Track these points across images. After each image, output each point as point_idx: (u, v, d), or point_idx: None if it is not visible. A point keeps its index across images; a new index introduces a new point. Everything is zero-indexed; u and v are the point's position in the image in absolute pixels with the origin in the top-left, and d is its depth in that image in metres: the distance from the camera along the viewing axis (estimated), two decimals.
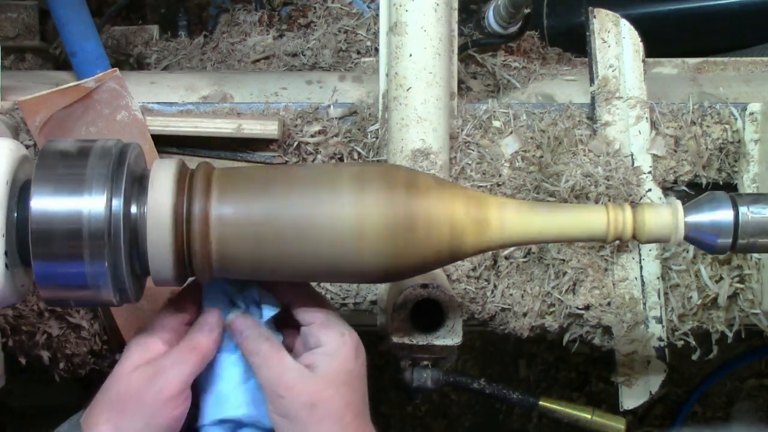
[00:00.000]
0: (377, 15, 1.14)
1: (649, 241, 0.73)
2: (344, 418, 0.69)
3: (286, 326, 0.75)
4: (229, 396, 0.72)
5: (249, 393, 0.72)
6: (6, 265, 0.65)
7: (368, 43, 1.28)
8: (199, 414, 0.72)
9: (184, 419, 0.69)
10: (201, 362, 0.70)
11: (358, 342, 0.72)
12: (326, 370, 0.69)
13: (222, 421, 0.72)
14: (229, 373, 0.73)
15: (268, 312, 0.74)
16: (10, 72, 1.17)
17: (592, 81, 1.04)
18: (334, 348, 0.70)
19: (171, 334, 0.72)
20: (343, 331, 0.71)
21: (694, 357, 1.06)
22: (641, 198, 1.02)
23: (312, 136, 1.05)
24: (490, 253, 1.01)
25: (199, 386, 0.73)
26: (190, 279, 0.71)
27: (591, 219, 0.71)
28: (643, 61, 1.04)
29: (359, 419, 0.70)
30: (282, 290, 0.75)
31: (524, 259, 1.03)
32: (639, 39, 1.05)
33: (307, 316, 0.73)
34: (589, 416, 1.04)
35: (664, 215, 0.71)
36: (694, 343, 1.05)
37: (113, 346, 1.06)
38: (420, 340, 0.88)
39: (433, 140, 0.97)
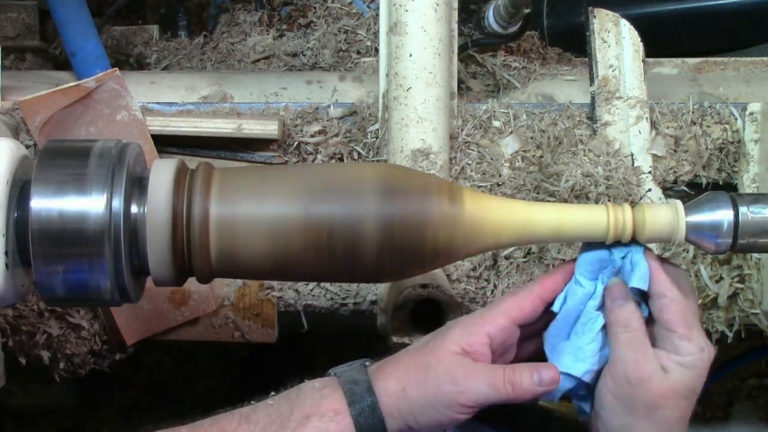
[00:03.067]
0: (377, 15, 1.14)
1: (649, 241, 0.73)
2: (672, 429, 0.69)
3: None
4: (586, 355, 0.71)
5: (591, 357, 0.72)
6: (6, 265, 0.65)
7: (368, 43, 1.28)
8: (548, 350, 0.72)
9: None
10: (511, 399, 0.69)
11: (710, 360, 0.71)
12: (677, 380, 0.69)
13: (571, 376, 0.72)
14: (595, 332, 0.72)
15: (636, 283, 0.72)
16: (10, 72, 1.17)
17: (592, 81, 1.04)
18: (691, 362, 0.70)
19: (498, 330, 0.71)
20: (702, 346, 0.71)
21: None
22: (641, 198, 1.01)
23: (312, 136, 1.05)
24: (490, 253, 1.01)
25: (561, 321, 0.72)
26: None
27: (591, 219, 0.71)
28: (643, 61, 1.04)
29: None
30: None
31: (524, 259, 1.03)
32: (639, 39, 1.05)
33: (670, 323, 0.71)
34: None
35: (665, 215, 0.71)
36: None
37: (113, 346, 1.06)
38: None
39: (433, 140, 0.97)
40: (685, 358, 0.70)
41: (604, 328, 0.72)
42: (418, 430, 0.69)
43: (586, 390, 0.73)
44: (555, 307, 0.73)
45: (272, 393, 0.72)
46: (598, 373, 0.72)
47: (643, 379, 0.68)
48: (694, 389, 0.70)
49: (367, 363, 0.72)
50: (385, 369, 0.70)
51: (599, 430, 0.72)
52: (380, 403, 0.68)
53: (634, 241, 0.72)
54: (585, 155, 1.02)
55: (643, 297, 0.73)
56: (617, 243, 0.72)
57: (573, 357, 0.72)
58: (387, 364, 0.71)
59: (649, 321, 0.73)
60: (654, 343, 0.71)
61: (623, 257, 0.73)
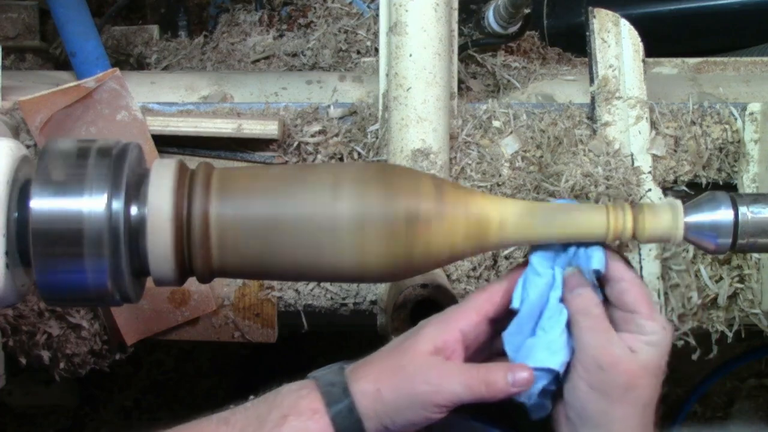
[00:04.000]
0: (377, 15, 1.14)
1: (649, 241, 0.73)
2: (646, 412, 0.69)
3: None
4: (558, 347, 0.71)
5: (563, 349, 0.71)
6: (6, 265, 0.65)
7: (368, 43, 1.28)
8: (520, 350, 0.71)
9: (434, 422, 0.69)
10: (485, 398, 0.69)
11: (672, 338, 0.72)
12: (646, 358, 0.69)
13: (547, 370, 0.71)
14: (563, 323, 0.71)
15: (596, 265, 0.72)
16: (10, 72, 1.17)
17: (592, 81, 1.04)
18: (657, 340, 0.70)
19: (471, 326, 0.71)
20: (664, 324, 0.71)
21: (694, 357, 1.06)
22: (641, 198, 1.02)
23: (312, 136, 1.05)
24: (490, 252, 1.01)
25: (524, 318, 0.71)
26: None
27: (591, 219, 0.71)
28: (643, 61, 1.04)
29: (653, 416, 0.70)
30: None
31: (524, 259, 1.02)
32: (639, 39, 1.05)
33: (632, 304, 0.71)
34: None
35: (664, 215, 0.71)
36: (694, 343, 1.05)
37: (113, 346, 1.06)
38: None
39: (433, 140, 0.97)
40: (651, 337, 0.69)
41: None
42: (394, 431, 0.69)
43: (555, 384, 0.72)
44: (515, 304, 0.72)
45: (251, 397, 0.72)
46: (566, 366, 0.71)
47: (614, 363, 0.68)
48: (661, 367, 0.70)
49: (345, 366, 0.72)
50: (361, 370, 0.70)
51: (570, 421, 0.71)
52: (357, 404, 0.68)
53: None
54: (585, 155, 1.02)
55: (596, 283, 0.73)
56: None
57: (548, 351, 0.71)
58: (362, 365, 0.71)
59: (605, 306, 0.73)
60: (615, 327, 0.71)
61: (577, 246, 0.73)
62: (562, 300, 0.72)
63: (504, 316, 0.73)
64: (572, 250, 0.73)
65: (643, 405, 0.69)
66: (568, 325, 0.71)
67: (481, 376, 0.69)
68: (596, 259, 0.72)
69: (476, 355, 0.73)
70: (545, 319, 0.72)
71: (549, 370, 0.71)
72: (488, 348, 0.74)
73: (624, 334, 0.70)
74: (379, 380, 0.69)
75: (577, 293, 0.71)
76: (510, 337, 0.72)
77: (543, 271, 0.72)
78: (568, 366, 0.71)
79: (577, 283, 0.71)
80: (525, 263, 0.74)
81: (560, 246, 0.73)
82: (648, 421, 0.70)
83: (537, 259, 0.73)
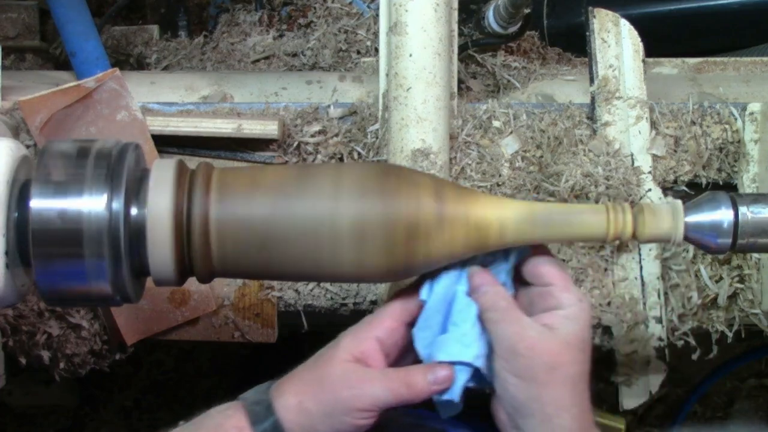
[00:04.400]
0: (377, 15, 1.14)
1: (649, 241, 0.73)
2: (578, 386, 0.69)
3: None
4: (471, 340, 0.71)
5: (476, 342, 0.71)
6: (6, 265, 0.65)
7: (368, 43, 1.28)
8: (431, 345, 0.71)
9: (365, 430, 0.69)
10: (407, 400, 0.69)
11: (590, 312, 0.71)
12: (566, 333, 0.68)
13: (464, 364, 0.71)
14: (474, 316, 0.71)
15: (515, 257, 0.72)
16: (10, 72, 1.17)
17: (592, 81, 1.04)
18: (574, 312, 0.69)
19: (387, 333, 0.71)
20: (580, 297, 0.70)
21: (694, 357, 1.06)
22: (641, 198, 1.01)
23: (312, 136, 1.05)
24: None
25: (431, 311, 0.72)
26: None
27: (591, 219, 0.71)
28: (643, 61, 1.04)
29: (587, 390, 0.70)
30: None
31: None
32: (639, 39, 1.05)
33: (547, 276, 0.71)
34: None
35: (664, 215, 0.71)
36: (694, 343, 1.05)
37: (113, 346, 1.06)
38: None
39: (433, 140, 0.97)
40: (568, 310, 0.69)
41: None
42: None
43: (479, 382, 0.72)
44: (423, 295, 0.72)
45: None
46: (488, 359, 0.71)
47: (531, 346, 0.67)
48: (585, 339, 0.70)
49: (273, 383, 0.72)
50: (284, 386, 0.71)
51: (509, 416, 0.70)
52: (281, 419, 0.68)
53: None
54: (585, 155, 1.02)
55: (509, 273, 0.73)
56: None
57: (459, 344, 0.71)
58: (285, 380, 0.71)
59: (520, 297, 0.73)
60: (532, 312, 0.71)
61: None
62: (469, 294, 0.72)
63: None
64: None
65: (572, 382, 0.68)
66: (480, 319, 0.71)
67: (401, 378, 0.69)
68: (513, 254, 0.73)
69: (400, 360, 0.73)
70: (455, 313, 0.72)
71: (464, 364, 0.70)
72: (412, 353, 0.74)
73: (540, 315, 0.70)
74: (301, 393, 0.69)
75: (483, 291, 0.71)
76: (419, 332, 0.72)
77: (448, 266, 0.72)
78: (495, 363, 0.70)
79: (480, 281, 0.71)
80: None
81: None
82: (582, 397, 0.69)
83: None
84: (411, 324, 0.73)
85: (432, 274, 0.73)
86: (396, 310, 0.72)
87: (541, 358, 0.67)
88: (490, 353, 0.71)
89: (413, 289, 0.74)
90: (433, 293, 0.72)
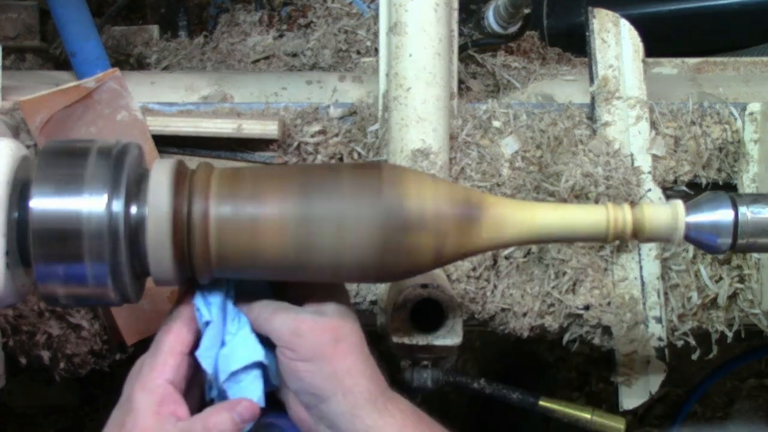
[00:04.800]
0: (377, 15, 1.14)
1: (649, 241, 0.73)
2: (364, 352, 0.71)
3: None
4: (253, 342, 0.72)
5: (258, 343, 0.72)
6: (6, 265, 0.65)
7: (368, 43, 1.28)
8: (217, 361, 0.71)
9: None
10: None
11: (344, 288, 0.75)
12: (335, 310, 0.71)
13: (257, 365, 0.71)
14: (245, 322, 0.73)
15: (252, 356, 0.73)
16: (10, 72, 1.17)
17: (592, 81, 1.04)
18: (333, 297, 0.73)
19: (174, 371, 0.69)
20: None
21: (694, 357, 1.06)
22: (641, 198, 1.02)
23: (312, 136, 1.05)
24: (490, 253, 1.01)
25: (216, 327, 0.72)
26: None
27: (591, 219, 0.71)
28: (643, 61, 1.04)
29: (371, 356, 0.72)
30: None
31: (524, 259, 1.03)
32: (639, 39, 1.05)
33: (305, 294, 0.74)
34: (588, 416, 1.04)
35: (664, 215, 0.71)
36: (694, 343, 1.05)
37: (113, 346, 1.06)
38: (420, 340, 0.88)
39: (433, 140, 0.97)
40: (327, 297, 0.72)
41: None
42: None
43: (268, 384, 0.73)
44: (206, 316, 0.71)
45: None
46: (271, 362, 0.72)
47: (312, 326, 0.69)
48: (352, 312, 0.73)
49: None
50: None
51: (310, 407, 0.71)
52: None
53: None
54: (585, 155, 1.02)
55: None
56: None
57: (245, 348, 0.71)
58: None
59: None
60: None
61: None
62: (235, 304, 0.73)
63: (197, 343, 0.72)
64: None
65: (358, 349, 0.71)
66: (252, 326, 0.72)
67: (206, 426, 0.67)
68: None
69: (188, 392, 0.72)
70: (229, 324, 0.72)
71: (257, 365, 0.71)
72: (197, 379, 0.73)
73: (307, 305, 0.72)
74: None
75: (246, 310, 0.73)
76: (205, 352, 0.71)
77: (215, 281, 0.72)
78: (281, 357, 0.70)
79: (243, 305, 0.73)
80: (188, 290, 0.74)
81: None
82: (370, 362, 0.71)
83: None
84: (190, 352, 0.71)
85: (203, 293, 0.72)
86: (174, 345, 0.70)
87: (324, 334, 0.69)
88: (270, 357, 0.72)
89: (178, 318, 0.72)
90: (213, 312, 0.72)
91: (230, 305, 0.73)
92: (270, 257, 0.68)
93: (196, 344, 0.71)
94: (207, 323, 0.71)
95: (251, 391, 0.71)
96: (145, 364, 0.71)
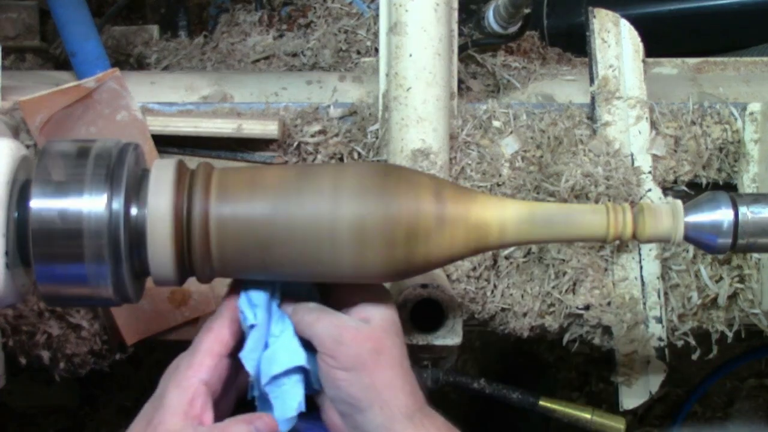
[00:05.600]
0: (377, 15, 1.14)
1: (649, 241, 0.73)
2: (404, 366, 0.70)
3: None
4: (296, 347, 0.71)
5: (300, 347, 0.72)
6: (6, 265, 0.65)
7: (368, 43, 1.28)
8: (260, 364, 0.71)
9: None
10: None
11: (393, 301, 0.74)
12: (380, 320, 0.70)
13: (298, 369, 0.71)
14: (289, 325, 0.72)
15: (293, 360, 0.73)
16: (10, 72, 1.16)
17: (592, 81, 1.04)
18: (380, 305, 0.72)
19: (210, 372, 0.69)
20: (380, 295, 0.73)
21: (694, 357, 1.06)
22: (641, 198, 1.02)
23: (312, 136, 1.05)
24: (490, 253, 1.01)
25: (260, 330, 0.71)
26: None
27: (591, 219, 0.71)
28: (643, 61, 1.04)
29: (411, 371, 0.71)
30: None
31: (524, 259, 1.03)
32: (639, 39, 1.05)
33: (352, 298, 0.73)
34: (588, 416, 1.04)
35: (664, 215, 0.71)
36: (694, 343, 1.05)
37: (113, 346, 1.06)
38: (420, 340, 0.88)
39: (433, 140, 0.97)
40: (375, 303, 0.72)
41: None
42: None
43: (308, 388, 0.72)
44: (251, 320, 0.71)
45: None
46: (312, 367, 0.72)
47: (354, 335, 0.69)
48: (398, 324, 0.72)
49: None
50: None
51: (345, 416, 0.71)
52: None
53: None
54: (585, 155, 1.02)
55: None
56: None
57: (287, 352, 0.71)
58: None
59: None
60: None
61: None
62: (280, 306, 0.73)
63: (238, 344, 0.72)
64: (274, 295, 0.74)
65: (398, 364, 0.70)
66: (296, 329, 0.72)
67: None
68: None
69: (224, 395, 0.72)
70: (273, 327, 0.72)
71: (298, 369, 0.71)
72: (234, 381, 0.74)
73: (352, 310, 0.72)
74: None
75: (291, 312, 0.72)
76: (249, 354, 0.71)
77: (259, 283, 0.72)
78: (321, 364, 0.70)
79: (288, 305, 0.73)
80: (233, 290, 0.73)
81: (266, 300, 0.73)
82: (410, 377, 0.71)
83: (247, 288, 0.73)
84: (229, 354, 0.71)
85: (246, 289, 0.72)
86: (213, 345, 0.70)
87: (366, 344, 0.69)
88: (312, 362, 0.71)
89: (220, 318, 0.72)
90: (258, 315, 0.71)
91: (275, 306, 0.73)
92: (270, 257, 0.68)
93: (237, 346, 0.71)
94: (251, 326, 0.71)
95: (291, 395, 0.71)
96: (183, 362, 0.70)
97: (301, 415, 0.72)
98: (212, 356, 0.70)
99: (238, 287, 0.73)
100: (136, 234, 0.66)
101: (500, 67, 1.16)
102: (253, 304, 0.71)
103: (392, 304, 0.73)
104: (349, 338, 0.69)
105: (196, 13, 1.53)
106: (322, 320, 0.70)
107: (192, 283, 0.71)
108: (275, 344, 0.72)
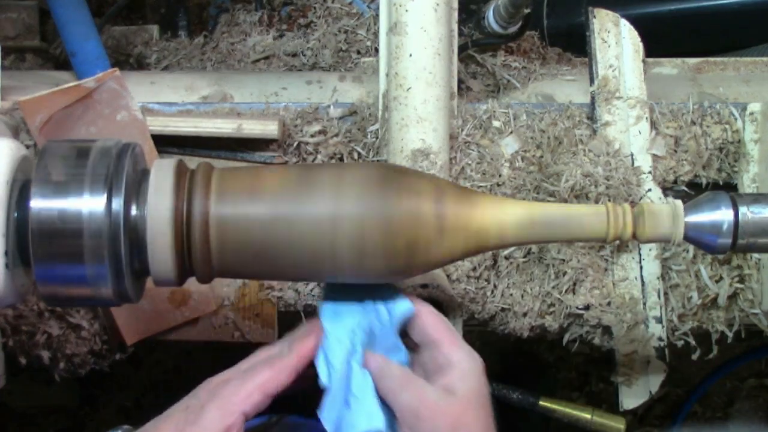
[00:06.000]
0: (377, 15, 1.14)
1: (649, 241, 0.73)
2: None
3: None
4: (375, 410, 0.69)
5: (380, 410, 0.70)
6: (6, 265, 0.65)
7: (368, 43, 1.28)
8: (339, 422, 0.69)
9: None
10: None
11: (483, 363, 0.71)
12: (465, 392, 0.68)
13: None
14: (372, 389, 0.70)
15: (404, 313, 0.72)
16: (10, 72, 1.17)
17: (592, 81, 1.04)
18: (468, 369, 0.69)
19: (253, 407, 0.68)
20: (469, 350, 0.70)
21: (694, 357, 1.06)
22: (641, 198, 1.02)
23: (312, 136, 1.05)
24: (490, 253, 1.01)
25: (336, 391, 0.70)
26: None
27: (591, 219, 0.71)
28: (643, 61, 1.04)
29: None
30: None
31: (524, 259, 1.03)
32: (639, 39, 1.05)
33: (432, 331, 0.71)
34: (588, 416, 1.04)
35: (664, 215, 0.71)
36: (694, 343, 1.05)
37: (113, 346, 1.06)
38: None
39: (433, 140, 0.97)
40: (462, 367, 0.69)
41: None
42: None
43: None
44: (324, 380, 0.70)
45: None
46: (392, 428, 0.70)
47: (433, 410, 0.67)
48: (484, 394, 0.70)
49: (124, 427, 0.71)
50: (159, 428, 0.68)
51: None
52: None
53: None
54: (585, 155, 1.02)
55: (396, 332, 0.72)
56: (362, 291, 0.72)
57: (366, 416, 0.69)
58: (160, 427, 0.68)
59: (413, 362, 0.73)
60: (426, 375, 0.70)
61: (373, 300, 0.73)
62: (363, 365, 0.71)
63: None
64: (370, 305, 0.73)
65: None
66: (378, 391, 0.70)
67: None
68: (401, 307, 0.72)
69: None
70: (354, 387, 0.71)
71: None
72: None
73: (436, 378, 0.69)
74: None
75: (373, 367, 0.70)
76: (327, 414, 0.69)
77: (341, 337, 0.71)
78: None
79: (373, 363, 0.71)
80: (314, 323, 0.72)
81: (356, 303, 0.73)
82: None
83: (330, 325, 0.72)
84: (274, 395, 0.70)
85: (325, 352, 0.71)
86: (269, 385, 0.69)
87: (444, 420, 0.67)
88: (392, 422, 0.70)
89: (288, 358, 0.71)
90: (333, 375, 0.70)
91: (356, 366, 0.71)
92: (270, 257, 0.68)
93: (289, 388, 0.70)
94: (326, 387, 0.70)
95: None
96: (233, 381, 0.70)
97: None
98: (263, 394, 0.69)
99: (317, 331, 0.71)
100: (136, 234, 0.66)
101: (500, 67, 1.16)
102: (330, 364, 0.70)
103: (480, 365, 0.70)
104: (427, 414, 0.67)
105: (196, 13, 1.53)
106: (405, 390, 0.68)
107: (192, 283, 0.71)
108: (355, 406, 0.70)
